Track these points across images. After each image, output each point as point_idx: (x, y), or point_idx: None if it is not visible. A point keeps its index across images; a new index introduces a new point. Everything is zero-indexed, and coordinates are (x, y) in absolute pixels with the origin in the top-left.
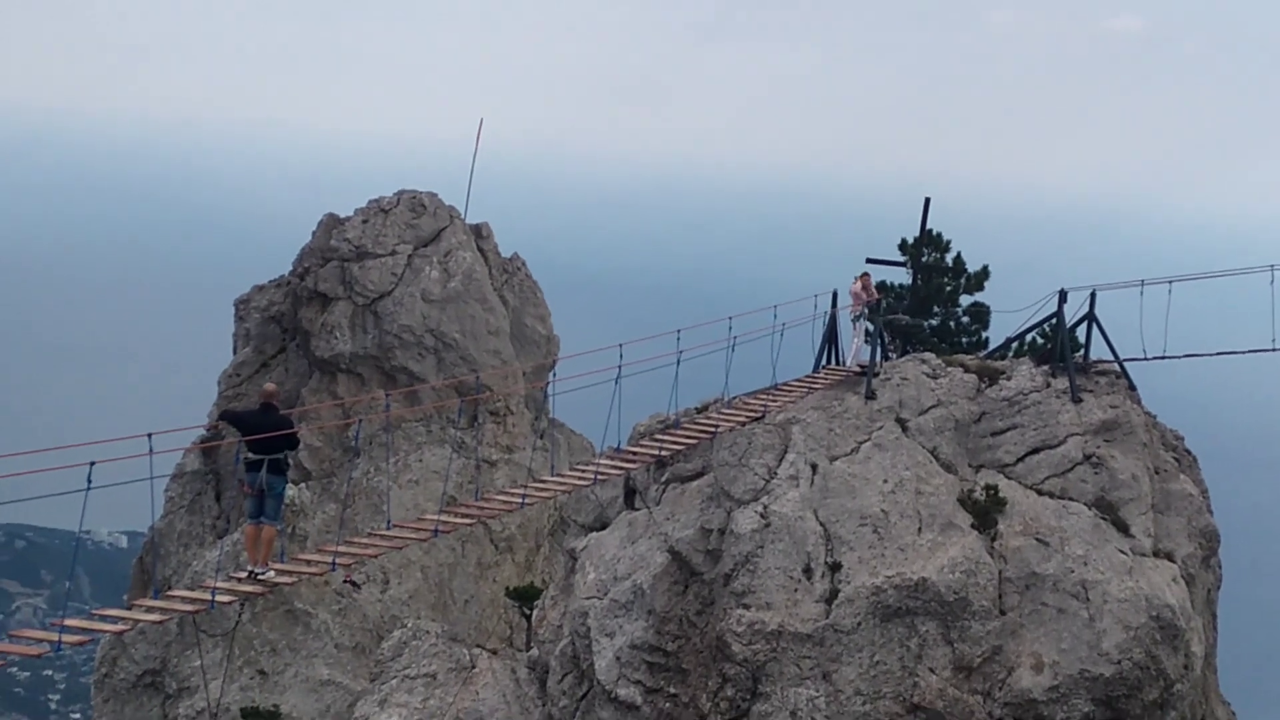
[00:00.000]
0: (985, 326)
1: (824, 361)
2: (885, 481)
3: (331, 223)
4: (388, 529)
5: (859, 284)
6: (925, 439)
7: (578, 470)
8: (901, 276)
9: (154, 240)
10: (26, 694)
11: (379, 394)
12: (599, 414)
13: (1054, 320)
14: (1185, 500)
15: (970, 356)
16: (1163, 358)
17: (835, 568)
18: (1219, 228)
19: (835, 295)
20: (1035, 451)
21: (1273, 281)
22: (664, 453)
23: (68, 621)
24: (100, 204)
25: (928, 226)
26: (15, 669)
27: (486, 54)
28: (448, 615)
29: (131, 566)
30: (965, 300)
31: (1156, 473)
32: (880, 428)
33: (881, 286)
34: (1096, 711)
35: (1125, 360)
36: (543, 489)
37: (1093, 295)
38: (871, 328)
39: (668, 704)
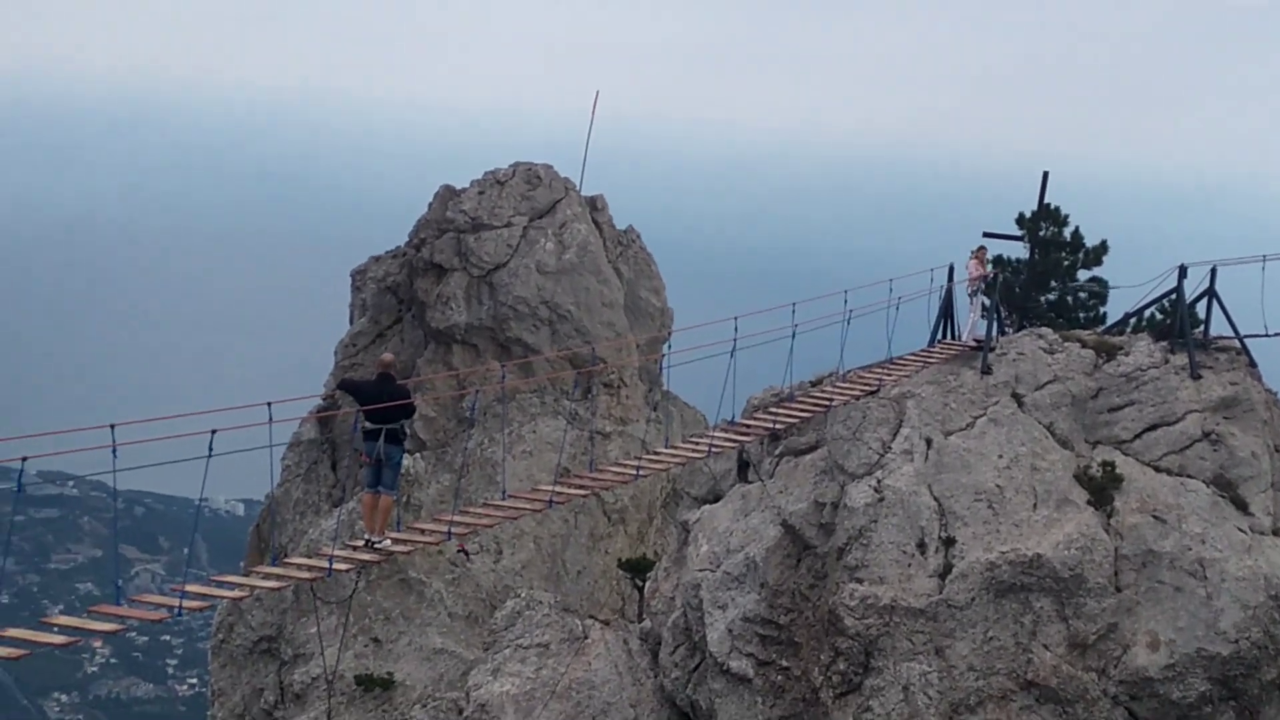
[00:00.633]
0: (1103, 302)
1: (939, 336)
2: (1000, 457)
3: (447, 194)
4: (502, 499)
5: (975, 259)
6: (1041, 414)
7: (691, 442)
8: (1019, 251)
9: (273, 212)
10: (145, 659)
11: (494, 365)
12: (713, 387)
13: (1173, 295)
14: None
15: (1088, 332)
16: None
17: (949, 543)
18: None
19: (951, 269)
20: (1153, 428)
21: None
22: (778, 426)
23: (188, 587)
24: (219, 175)
25: (1045, 200)
26: (134, 634)
27: (601, 26)
28: (560, 586)
29: (248, 534)
30: (1083, 275)
31: (1277, 450)
32: (996, 403)
33: (999, 261)
34: (1213, 690)
35: (1246, 336)
36: (656, 461)
37: (1213, 270)
38: (988, 302)
39: (779, 677)
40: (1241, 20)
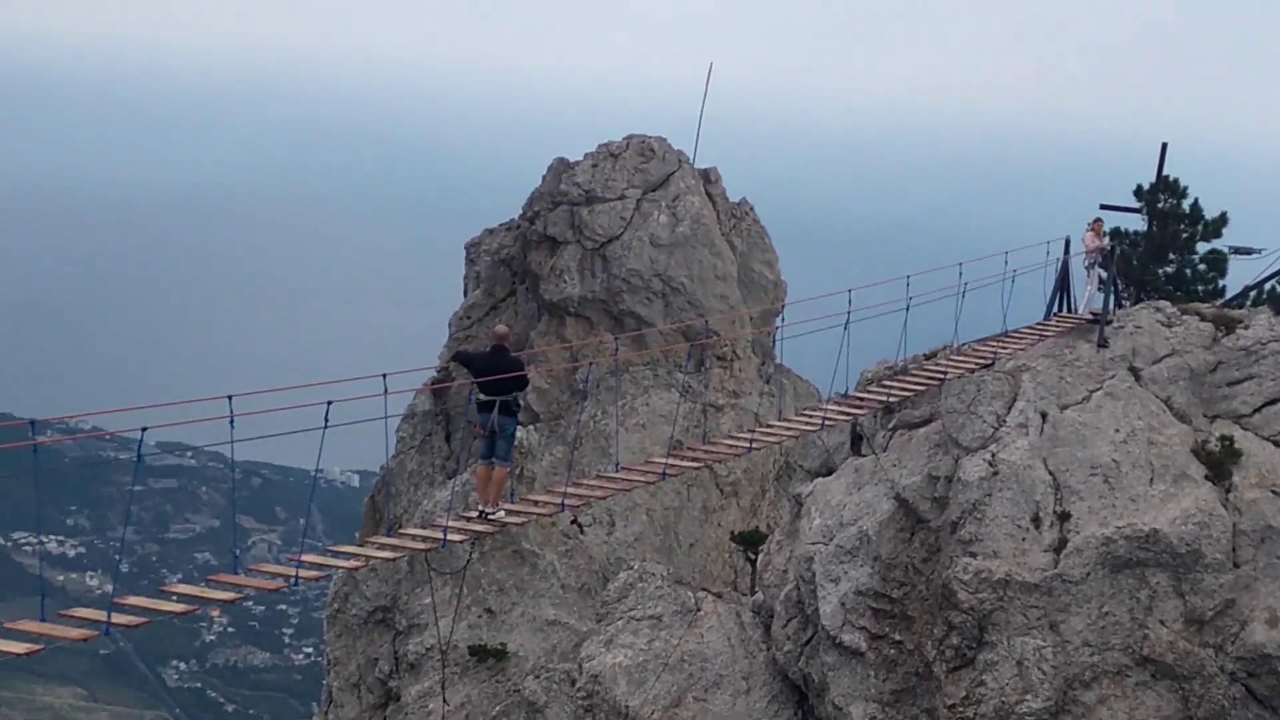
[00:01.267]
0: (1223, 274)
1: (1055, 309)
2: (1117, 431)
3: (561, 167)
4: (615, 471)
5: (1091, 231)
6: (1159, 388)
7: (804, 416)
8: (1137, 223)
9: (387, 183)
10: (262, 628)
11: (607, 337)
12: (826, 360)
13: None
14: None
15: (1207, 305)
16: None
17: (1064, 517)
18: None
19: (1068, 242)
20: (1273, 402)
21: None
22: (892, 399)
23: (304, 557)
24: (335, 146)
25: (1164, 172)
26: (251, 603)
27: None
28: (672, 558)
29: (363, 505)
30: (1202, 247)
31: None
32: (1112, 376)
33: (1116, 233)
34: None
35: None
36: (769, 434)
37: None
38: (1105, 275)
39: (892, 650)
40: None
